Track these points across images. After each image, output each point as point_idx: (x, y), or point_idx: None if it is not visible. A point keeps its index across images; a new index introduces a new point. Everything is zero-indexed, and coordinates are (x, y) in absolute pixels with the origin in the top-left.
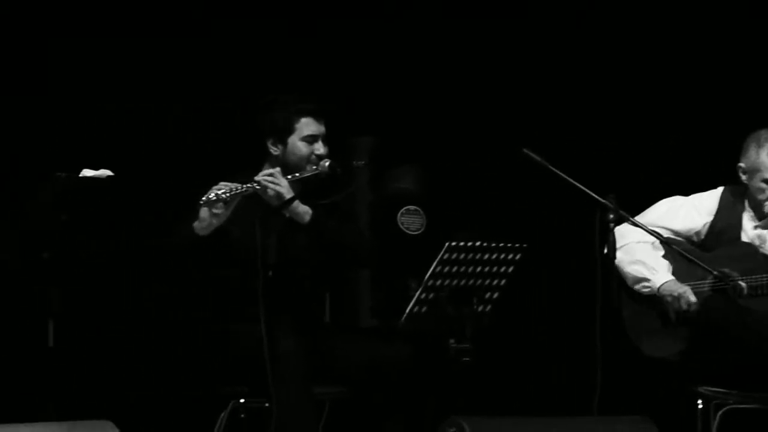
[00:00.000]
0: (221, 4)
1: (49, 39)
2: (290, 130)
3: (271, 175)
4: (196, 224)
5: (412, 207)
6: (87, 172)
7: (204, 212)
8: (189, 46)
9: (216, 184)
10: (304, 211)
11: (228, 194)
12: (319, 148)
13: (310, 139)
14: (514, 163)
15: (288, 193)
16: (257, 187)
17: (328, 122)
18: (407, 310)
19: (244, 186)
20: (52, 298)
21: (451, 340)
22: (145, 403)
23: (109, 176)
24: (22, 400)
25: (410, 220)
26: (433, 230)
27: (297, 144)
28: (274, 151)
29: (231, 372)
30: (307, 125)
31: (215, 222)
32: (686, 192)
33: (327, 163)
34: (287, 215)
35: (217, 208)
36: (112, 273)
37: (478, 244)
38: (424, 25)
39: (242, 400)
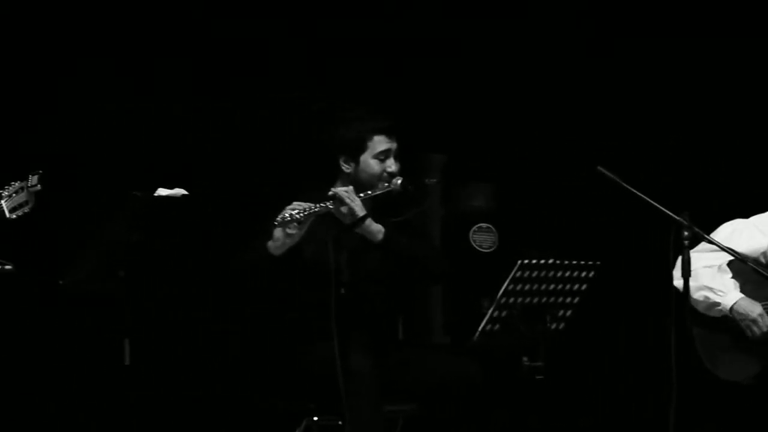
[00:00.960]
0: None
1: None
2: (363, 148)
3: (345, 191)
4: (270, 244)
5: (484, 225)
6: (162, 191)
7: (278, 232)
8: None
9: (289, 203)
10: (377, 229)
11: (302, 214)
12: (391, 165)
13: (383, 157)
14: (588, 181)
15: (361, 211)
16: (330, 206)
17: (400, 139)
18: (480, 328)
19: (318, 205)
20: (128, 316)
21: (524, 358)
22: (220, 420)
23: (183, 195)
24: (99, 418)
25: (482, 238)
26: (505, 248)
27: (369, 162)
28: (346, 168)
29: (304, 389)
30: (380, 143)
31: (289, 242)
32: (762, 209)
33: (399, 181)
34: (359, 233)
35: (291, 228)
36: (187, 291)
37: (550, 261)
38: (498, 43)
39: (315, 418)
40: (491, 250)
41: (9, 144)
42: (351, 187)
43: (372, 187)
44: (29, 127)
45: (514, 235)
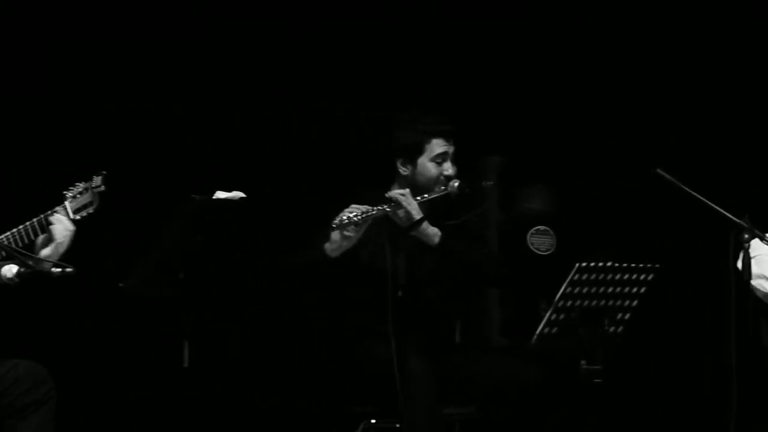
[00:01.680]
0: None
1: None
2: (420, 151)
3: (402, 195)
4: (327, 246)
5: (541, 227)
6: (220, 194)
7: (335, 235)
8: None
9: (347, 206)
10: (433, 233)
11: (359, 217)
12: (448, 168)
13: (440, 160)
14: (647, 183)
15: (417, 214)
16: (387, 208)
17: (458, 142)
18: (538, 331)
19: (375, 208)
20: (187, 318)
21: (582, 361)
22: (278, 422)
23: (242, 198)
24: (158, 420)
25: (540, 241)
26: (563, 250)
27: (426, 164)
28: (403, 171)
29: (362, 392)
30: (438, 146)
31: (346, 244)
32: None
33: (456, 184)
34: (416, 236)
35: (348, 231)
36: (245, 294)
37: (609, 264)
38: (555, 45)
39: (373, 421)
40: (549, 252)
41: (74, 145)
42: (407, 190)
43: (429, 190)
44: (94, 128)
45: (572, 238)
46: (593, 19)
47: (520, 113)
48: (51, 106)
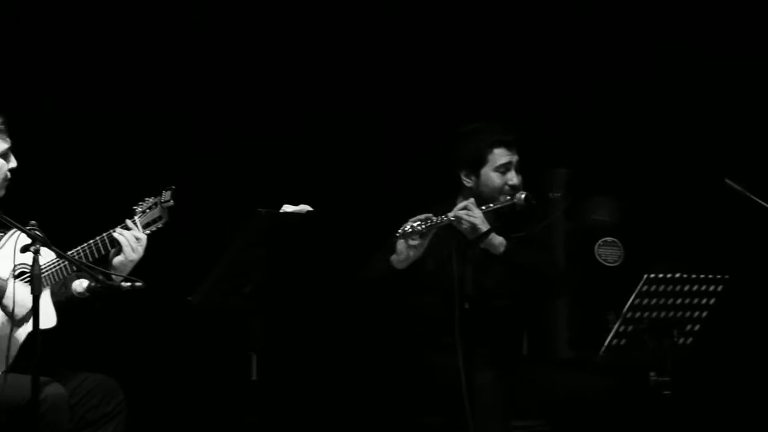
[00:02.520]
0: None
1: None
2: (483, 161)
3: (465, 207)
4: (393, 258)
5: (609, 238)
6: (287, 208)
7: (401, 245)
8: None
9: (412, 216)
10: (499, 242)
11: (424, 226)
12: (512, 178)
13: (503, 170)
14: (716, 193)
15: (483, 225)
16: (453, 218)
17: (525, 154)
18: (606, 343)
19: (440, 217)
20: (255, 331)
21: (652, 373)
22: None
23: (309, 211)
24: None
25: (608, 252)
26: (631, 262)
27: (490, 175)
28: (467, 182)
29: (430, 403)
30: (501, 156)
31: (412, 254)
32: None
33: (523, 195)
34: (482, 246)
35: (413, 240)
36: (312, 306)
37: (677, 275)
38: (621, 57)
39: None
40: (617, 264)
41: (143, 160)
42: (472, 200)
43: (493, 200)
44: (163, 143)
45: (640, 249)
46: (656, 29)
47: (587, 124)
48: (120, 121)
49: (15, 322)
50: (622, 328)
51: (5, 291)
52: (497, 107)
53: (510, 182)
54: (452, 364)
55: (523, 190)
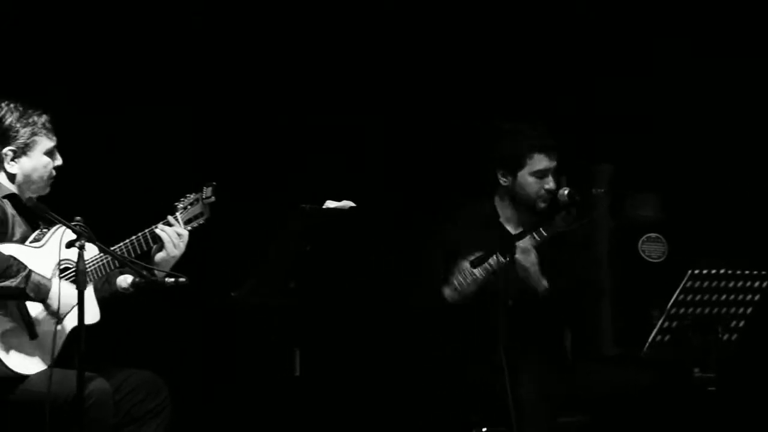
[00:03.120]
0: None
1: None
2: (521, 164)
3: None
4: (447, 293)
5: (653, 234)
6: (330, 204)
7: (455, 294)
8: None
9: (454, 226)
10: (543, 286)
11: (467, 282)
12: (549, 182)
13: (540, 175)
14: (762, 188)
15: (539, 284)
16: (490, 270)
17: (568, 150)
18: (650, 339)
19: (497, 260)
20: (298, 327)
21: (696, 370)
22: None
23: (351, 207)
24: (271, 430)
25: (651, 248)
26: (675, 258)
27: (527, 178)
28: (504, 181)
29: (473, 401)
30: (539, 161)
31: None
32: None
33: (566, 191)
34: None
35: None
36: (356, 302)
37: (722, 271)
38: (665, 52)
39: (484, 429)
40: (661, 260)
41: (185, 156)
42: (532, 258)
43: (528, 204)
44: (204, 139)
45: (684, 245)
46: (698, 24)
47: (630, 120)
48: (163, 117)
49: (60, 320)
50: (666, 325)
51: (49, 290)
52: (535, 104)
53: (546, 187)
54: (496, 362)
55: (567, 186)
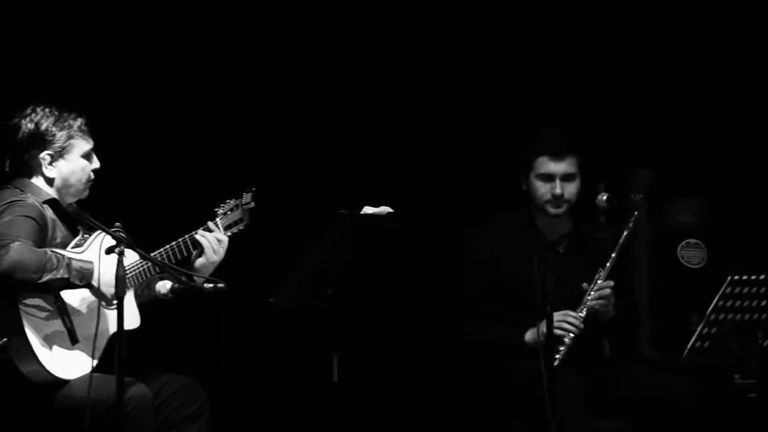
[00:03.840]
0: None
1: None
2: (528, 168)
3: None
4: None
5: (692, 240)
6: (368, 209)
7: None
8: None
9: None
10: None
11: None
12: (556, 187)
13: (546, 178)
14: None
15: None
16: (567, 332)
17: (606, 155)
18: (689, 345)
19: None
20: (336, 332)
21: (736, 376)
22: None
23: (389, 213)
24: None
25: (691, 254)
26: (714, 264)
27: (534, 182)
28: (524, 186)
29: (511, 406)
30: (543, 164)
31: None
32: None
33: (604, 197)
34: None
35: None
36: (393, 307)
37: (762, 277)
38: (707, 56)
39: None
40: (700, 266)
41: (224, 162)
42: (608, 293)
43: (540, 208)
44: (243, 145)
45: (723, 251)
46: (729, 27)
47: (670, 126)
48: (202, 123)
49: (107, 302)
50: (705, 330)
51: (92, 272)
52: (578, 107)
53: (553, 191)
54: (534, 366)
55: (605, 192)
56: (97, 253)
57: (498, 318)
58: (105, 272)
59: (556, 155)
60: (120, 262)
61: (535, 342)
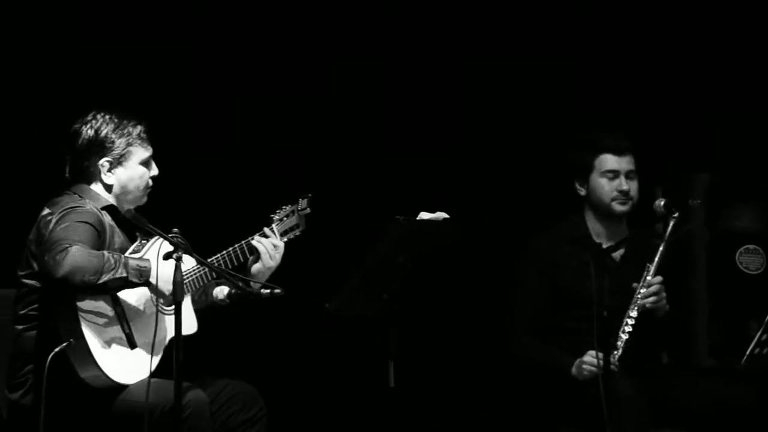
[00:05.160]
0: None
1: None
2: (590, 168)
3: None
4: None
5: (751, 246)
6: (424, 215)
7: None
8: None
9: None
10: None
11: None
12: (622, 184)
13: (611, 176)
14: None
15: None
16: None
17: (665, 160)
18: (748, 352)
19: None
20: (392, 338)
21: None
22: None
23: (445, 218)
24: None
25: (749, 260)
26: None
27: (598, 180)
28: (581, 191)
29: (569, 414)
30: (607, 161)
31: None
32: None
33: (662, 202)
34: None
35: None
36: (448, 313)
37: None
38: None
39: None
40: (759, 272)
41: (280, 168)
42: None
43: (604, 208)
44: (300, 151)
45: None
46: None
47: (729, 129)
48: (257, 131)
49: (165, 300)
50: (764, 337)
51: (150, 270)
52: (636, 113)
53: (619, 188)
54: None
55: (662, 197)
56: (155, 259)
57: (554, 328)
58: (163, 271)
59: (619, 152)
60: (178, 268)
61: (580, 376)
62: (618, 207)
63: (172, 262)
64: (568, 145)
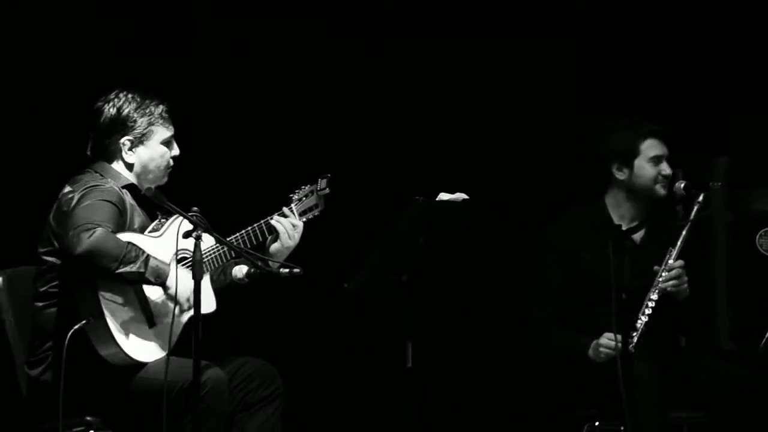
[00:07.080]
0: None
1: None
2: (636, 153)
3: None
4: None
5: None
6: (443, 196)
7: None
8: None
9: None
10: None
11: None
12: (665, 168)
13: (656, 161)
14: None
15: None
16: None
17: (685, 143)
18: (767, 335)
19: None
20: (410, 319)
21: None
22: (503, 424)
23: (465, 200)
24: (382, 421)
25: None
26: None
27: (644, 166)
28: (620, 175)
29: (586, 394)
30: (653, 146)
31: None
32: None
33: (683, 185)
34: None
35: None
36: (467, 294)
37: None
38: None
39: (597, 423)
40: None
41: (299, 148)
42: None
43: (647, 192)
44: (319, 131)
45: None
46: None
47: (748, 111)
48: (276, 110)
49: (178, 304)
50: None
51: (167, 274)
52: (655, 95)
53: (663, 172)
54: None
55: (683, 180)
56: (174, 237)
57: (578, 314)
58: (181, 279)
59: (663, 137)
60: (197, 246)
61: (596, 358)
62: (661, 190)
63: (189, 275)
64: (603, 130)
